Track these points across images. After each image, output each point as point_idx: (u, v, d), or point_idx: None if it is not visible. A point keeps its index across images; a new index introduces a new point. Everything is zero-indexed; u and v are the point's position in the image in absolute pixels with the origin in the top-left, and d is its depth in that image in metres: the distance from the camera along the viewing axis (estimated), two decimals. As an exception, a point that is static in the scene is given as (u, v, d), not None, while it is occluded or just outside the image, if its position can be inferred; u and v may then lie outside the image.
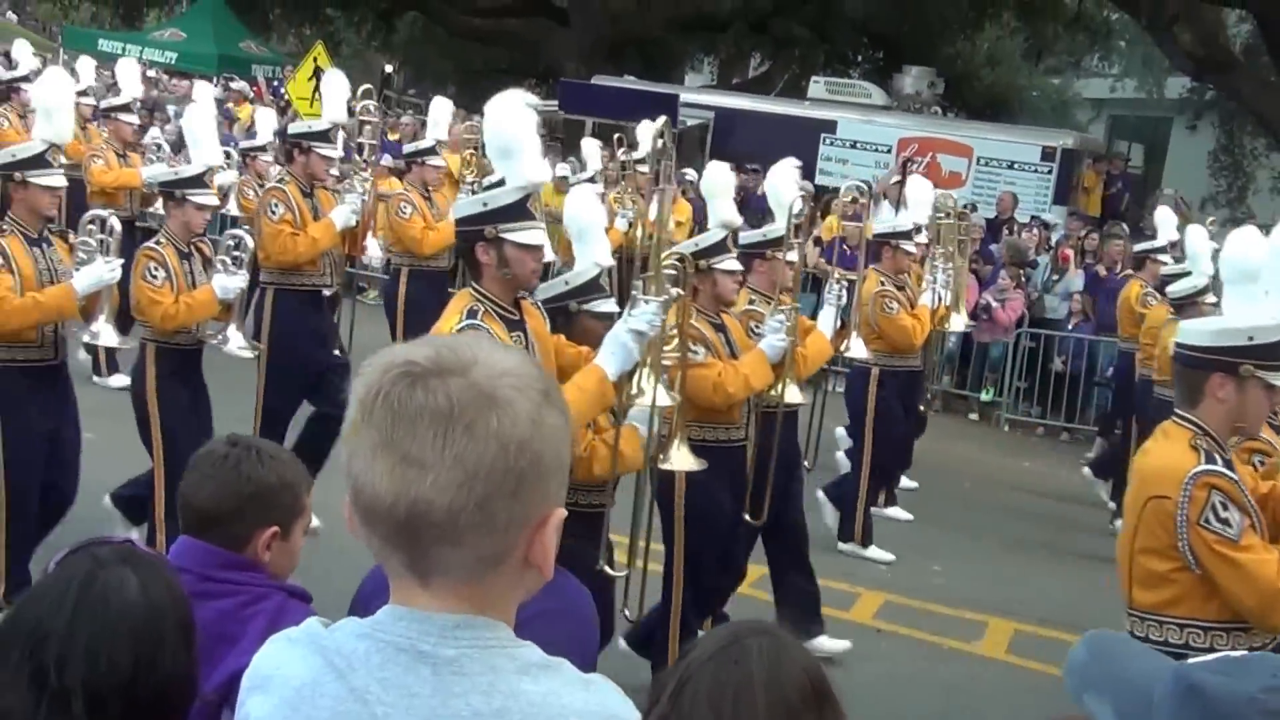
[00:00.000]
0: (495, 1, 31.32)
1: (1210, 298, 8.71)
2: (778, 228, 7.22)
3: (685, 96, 23.75)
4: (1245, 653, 1.62)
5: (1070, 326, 14.36)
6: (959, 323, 10.63)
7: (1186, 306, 8.79)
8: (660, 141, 5.81)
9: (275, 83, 26.57)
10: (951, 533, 9.67)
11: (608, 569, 5.54)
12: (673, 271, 6.00)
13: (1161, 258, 11.11)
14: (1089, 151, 22.88)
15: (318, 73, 22.51)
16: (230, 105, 21.03)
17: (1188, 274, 9.42)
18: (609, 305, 5.73)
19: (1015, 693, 7.35)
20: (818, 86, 24.22)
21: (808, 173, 13.79)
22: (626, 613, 5.94)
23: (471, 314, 4.83)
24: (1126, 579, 4.47)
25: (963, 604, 8.17)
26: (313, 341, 8.36)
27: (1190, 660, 1.66)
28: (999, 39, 30.83)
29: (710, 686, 2.14)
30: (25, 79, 14.11)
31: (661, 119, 6.03)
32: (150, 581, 2.30)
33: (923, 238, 9.71)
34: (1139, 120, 30.23)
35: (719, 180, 7.03)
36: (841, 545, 9.17)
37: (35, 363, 6.50)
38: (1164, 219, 11.77)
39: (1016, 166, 20.65)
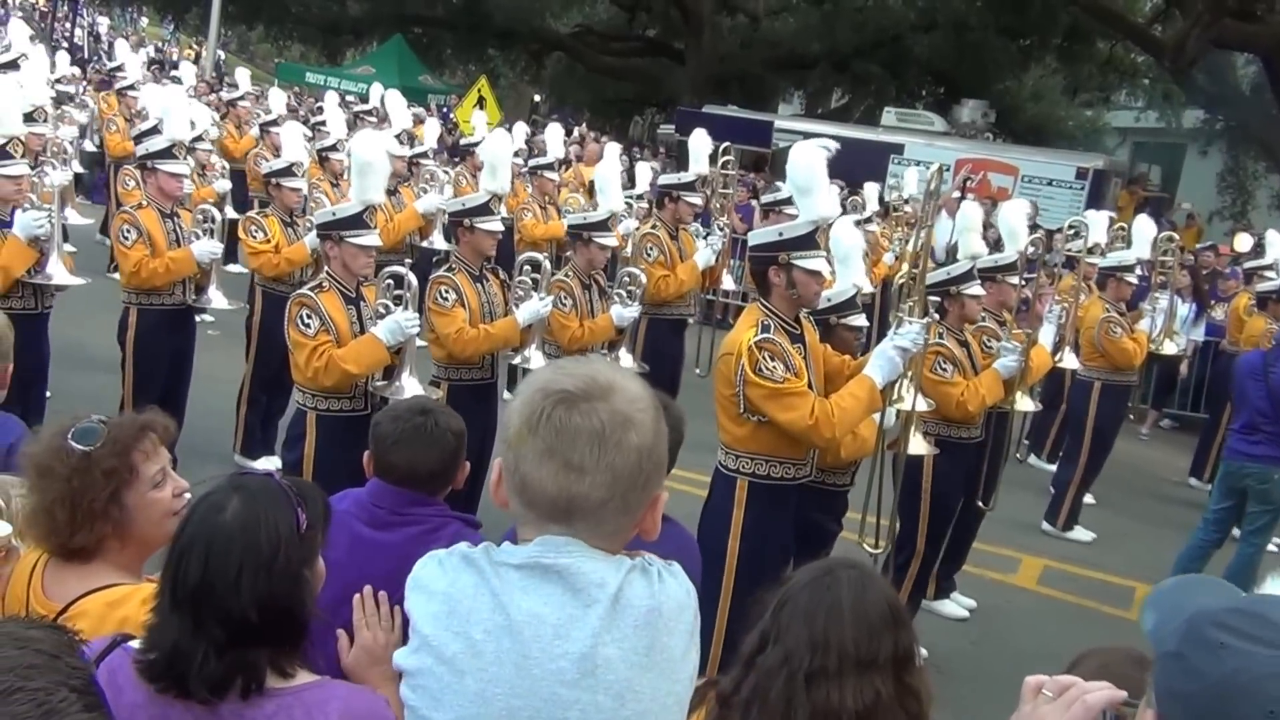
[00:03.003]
0: (624, 44, 31.72)
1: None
2: (1008, 256, 7.01)
3: (779, 123, 23.59)
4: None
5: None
6: (1172, 347, 10.10)
7: None
8: (930, 185, 5.54)
9: (445, 109, 26.82)
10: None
11: (865, 547, 5.46)
12: (935, 298, 5.95)
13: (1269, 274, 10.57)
14: (1115, 172, 22.46)
15: (481, 100, 22.86)
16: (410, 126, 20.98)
17: None
18: (861, 320, 5.66)
19: (1042, 616, 7.34)
20: (889, 115, 23.93)
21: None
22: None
23: (765, 328, 4.77)
24: None
25: (1001, 543, 8.10)
26: (673, 362, 8.39)
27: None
28: (1041, 77, 30.13)
29: (806, 606, 2.15)
30: (242, 98, 14.73)
31: (934, 166, 5.69)
32: (242, 511, 2.09)
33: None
34: (1158, 146, 29.40)
35: (971, 217, 6.89)
36: (1045, 526, 8.89)
37: (478, 381, 6.35)
38: (1273, 240, 11.39)
39: (1055, 184, 20.38)
